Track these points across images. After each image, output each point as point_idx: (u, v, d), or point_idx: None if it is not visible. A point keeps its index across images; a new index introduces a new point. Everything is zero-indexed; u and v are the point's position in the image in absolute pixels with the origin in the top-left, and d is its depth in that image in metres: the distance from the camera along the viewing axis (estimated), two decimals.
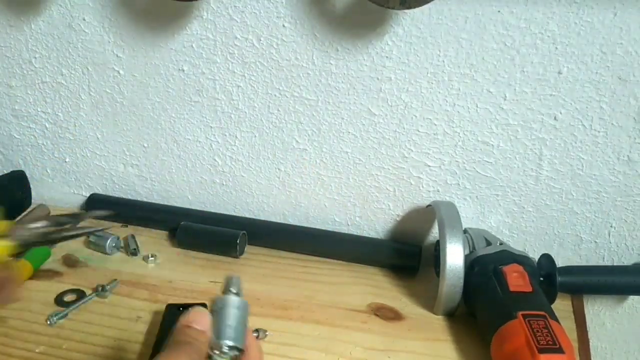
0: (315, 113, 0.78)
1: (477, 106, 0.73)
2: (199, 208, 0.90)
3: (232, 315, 0.45)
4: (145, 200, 0.92)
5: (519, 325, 0.60)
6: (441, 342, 0.68)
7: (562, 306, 0.74)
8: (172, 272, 0.78)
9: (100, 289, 0.73)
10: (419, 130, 0.76)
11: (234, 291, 0.46)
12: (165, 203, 0.91)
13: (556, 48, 0.68)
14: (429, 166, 0.79)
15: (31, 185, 0.93)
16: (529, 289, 0.65)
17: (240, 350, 0.44)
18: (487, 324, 0.65)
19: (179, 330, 0.44)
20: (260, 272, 0.80)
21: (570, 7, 0.65)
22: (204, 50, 0.77)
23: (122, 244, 0.84)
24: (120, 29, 0.79)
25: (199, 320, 0.45)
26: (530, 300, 0.64)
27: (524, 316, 0.61)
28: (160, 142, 0.86)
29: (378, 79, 0.74)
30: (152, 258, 0.81)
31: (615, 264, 0.80)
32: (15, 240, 0.55)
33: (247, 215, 0.89)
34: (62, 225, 0.58)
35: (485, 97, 0.72)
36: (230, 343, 0.44)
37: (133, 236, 0.85)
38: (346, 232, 0.86)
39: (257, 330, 0.68)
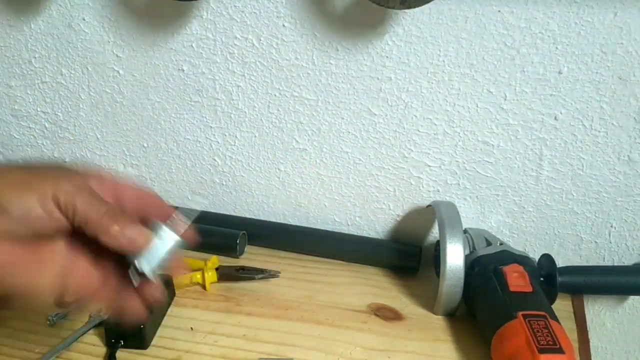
0: (315, 113, 0.78)
1: (477, 106, 0.73)
2: (199, 208, 0.90)
3: (158, 245, 0.47)
4: None
5: (519, 325, 0.60)
6: (441, 342, 0.68)
7: (562, 306, 0.74)
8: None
9: None
10: (419, 130, 0.76)
11: (183, 221, 0.48)
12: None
13: (556, 48, 0.68)
14: (429, 166, 0.79)
15: None
16: (529, 289, 0.65)
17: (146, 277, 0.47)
18: (487, 324, 0.65)
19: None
20: None
21: (571, 7, 0.65)
22: (203, 50, 0.77)
23: None
24: (120, 28, 0.79)
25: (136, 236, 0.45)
26: (531, 300, 0.64)
27: (524, 316, 0.61)
28: (160, 142, 0.86)
29: (378, 79, 0.74)
30: None
31: (615, 264, 0.80)
32: None
33: (247, 215, 0.89)
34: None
35: (486, 97, 0.72)
36: (145, 268, 0.46)
37: None
38: (346, 232, 0.86)
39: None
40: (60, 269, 0.46)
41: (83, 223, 0.44)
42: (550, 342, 0.58)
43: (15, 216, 0.42)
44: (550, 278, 0.71)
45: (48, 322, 0.69)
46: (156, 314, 0.68)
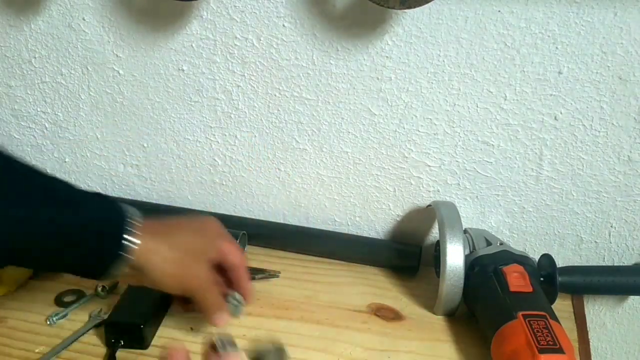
0: (315, 113, 0.78)
1: (477, 106, 0.73)
2: (199, 208, 0.90)
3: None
4: (145, 200, 0.91)
5: (519, 325, 0.60)
6: (441, 343, 0.68)
7: (562, 306, 0.74)
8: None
9: (99, 289, 0.73)
10: (419, 130, 0.76)
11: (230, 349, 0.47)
12: (165, 203, 0.91)
13: (556, 48, 0.68)
14: (429, 166, 0.78)
15: None
16: (529, 289, 0.65)
17: None
18: (487, 324, 0.65)
19: None
20: None
21: (571, 7, 0.65)
22: (203, 50, 0.77)
23: None
24: (120, 28, 0.79)
25: None
26: (531, 300, 0.64)
27: (524, 316, 0.61)
28: (160, 142, 0.86)
29: (378, 79, 0.74)
30: None
31: (615, 264, 0.80)
32: None
33: (247, 215, 0.89)
34: None
35: (486, 97, 0.72)
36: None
37: None
38: (346, 232, 0.86)
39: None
40: None
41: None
42: (550, 342, 0.58)
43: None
44: (550, 278, 0.71)
45: (48, 322, 0.69)
46: (156, 313, 0.68)
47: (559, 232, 0.79)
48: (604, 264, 0.80)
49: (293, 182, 0.85)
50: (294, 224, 0.87)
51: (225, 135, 0.83)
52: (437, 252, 0.75)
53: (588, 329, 0.72)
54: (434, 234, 0.83)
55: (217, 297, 0.61)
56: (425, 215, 0.82)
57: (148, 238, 0.55)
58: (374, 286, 0.78)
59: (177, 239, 0.58)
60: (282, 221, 0.88)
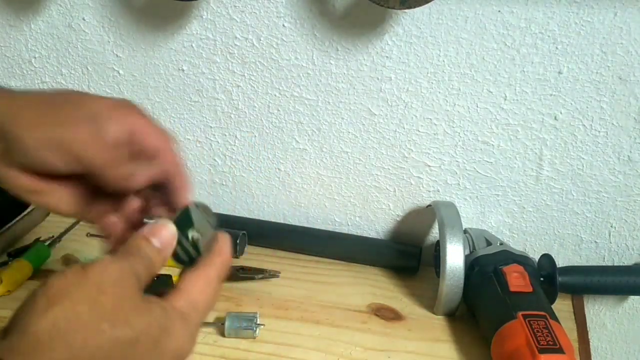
0: (315, 113, 0.78)
1: (477, 106, 0.73)
2: None
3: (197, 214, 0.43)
4: None
5: (519, 325, 0.60)
6: (441, 342, 0.68)
7: (562, 306, 0.74)
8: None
9: None
10: (419, 130, 0.76)
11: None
12: None
13: (556, 48, 0.68)
14: (429, 166, 0.78)
15: None
16: (529, 289, 0.65)
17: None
18: (487, 324, 0.65)
19: (133, 242, 0.39)
20: None
21: (571, 7, 0.65)
22: (203, 50, 0.77)
23: None
24: (120, 28, 0.79)
25: (162, 237, 0.40)
26: (531, 300, 0.64)
27: (524, 316, 0.61)
28: None
29: (378, 79, 0.74)
30: None
31: (615, 264, 0.80)
32: None
33: (247, 215, 0.89)
34: None
35: (486, 97, 0.72)
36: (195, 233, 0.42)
37: None
38: (346, 232, 0.86)
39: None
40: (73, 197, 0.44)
41: (95, 174, 0.41)
42: (550, 342, 0.58)
43: (31, 153, 0.40)
44: (550, 278, 0.71)
45: None
46: None
47: (559, 232, 0.79)
48: (604, 264, 0.80)
49: (293, 182, 0.85)
50: (294, 224, 0.87)
51: (225, 135, 0.83)
52: (437, 252, 0.75)
53: (588, 329, 0.72)
54: (434, 234, 0.83)
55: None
56: (425, 215, 0.82)
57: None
58: (374, 286, 0.78)
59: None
60: (282, 221, 0.88)
